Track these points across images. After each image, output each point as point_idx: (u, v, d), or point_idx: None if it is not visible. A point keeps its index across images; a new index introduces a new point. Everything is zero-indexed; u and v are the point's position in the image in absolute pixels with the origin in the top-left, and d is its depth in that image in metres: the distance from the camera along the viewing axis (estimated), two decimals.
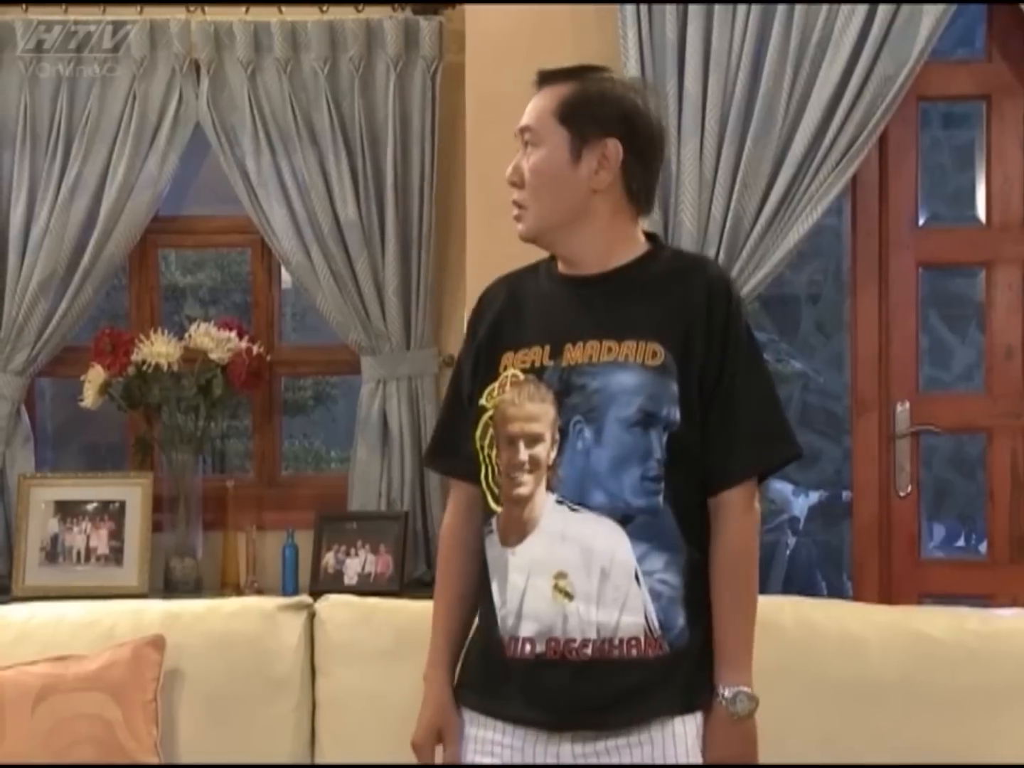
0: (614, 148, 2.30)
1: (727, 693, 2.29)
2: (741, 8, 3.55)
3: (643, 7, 3.56)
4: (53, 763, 2.93)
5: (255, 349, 4.03)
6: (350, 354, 4.09)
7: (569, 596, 2.24)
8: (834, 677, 2.95)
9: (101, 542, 3.93)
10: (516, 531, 2.28)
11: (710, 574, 2.32)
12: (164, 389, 3.94)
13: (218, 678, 3.12)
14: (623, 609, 2.24)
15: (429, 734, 2.41)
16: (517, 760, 2.31)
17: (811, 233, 3.58)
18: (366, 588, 3.67)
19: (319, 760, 3.12)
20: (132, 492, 3.96)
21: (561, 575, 2.25)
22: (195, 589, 3.92)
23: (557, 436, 2.26)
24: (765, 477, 2.42)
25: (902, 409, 3.92)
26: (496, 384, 2.33)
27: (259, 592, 3.86)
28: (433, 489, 4.00)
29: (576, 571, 2.24)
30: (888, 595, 3.87)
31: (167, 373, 3.92)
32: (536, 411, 2.27)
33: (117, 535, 3.94)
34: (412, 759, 2.76)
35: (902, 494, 3.91)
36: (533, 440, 2.27)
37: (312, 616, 3.20)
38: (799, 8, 3.54)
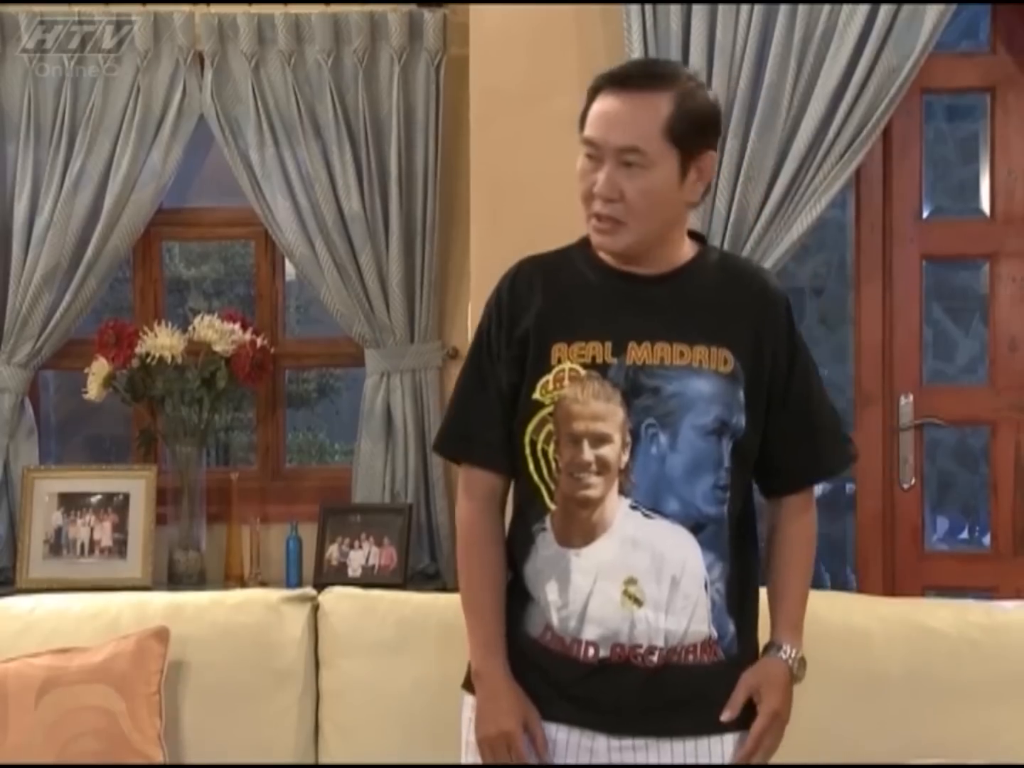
0: (711, 160, 2.28)
1: (794, 653, 2.35)
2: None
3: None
4: (55, 763, 2.94)
5: (259, 341, 4.03)
6: (354, 347, 4.09)
7: (639, 602, 2.23)
8: (838, 669, 2.95)
9: (105, 534, 3.93)
10: (581, 532, 2.24)
11: (782, 554, 2.43)
12: (168, 381, 3.94)
13: (222, 670, 3.12)
14: (692, 618, 2.24)
15: (518, 721, 2.27)
16: (572, 759, 2.27)
17: (815, 226, 3.58)
18: (370, 580, 3.67)
19: (323, 752, 3.13)
20: (136, 484, 3.96)
21: (631, 581, 2.22)
22: (199, 581, 3.92)
23: (628, 439, 2.22)
24: None
25: (906, 402, 3.92)
26: (550, 377, 2.26)
27: (263, 584, 3.86)
28: (437, 481, 4.00)
29: (647, 578, 2.22)
30: (892, 588, 3.87)
31: (171, 365, 3.92)
32: (602, 410, 2.23)
33: (121, 527, 3.94)
34: (417, 752, 2.77)
35: (906, 487, 3.92)
36: (599, 440, 2.22)
37: (316, 608, 3.20)
38: None
